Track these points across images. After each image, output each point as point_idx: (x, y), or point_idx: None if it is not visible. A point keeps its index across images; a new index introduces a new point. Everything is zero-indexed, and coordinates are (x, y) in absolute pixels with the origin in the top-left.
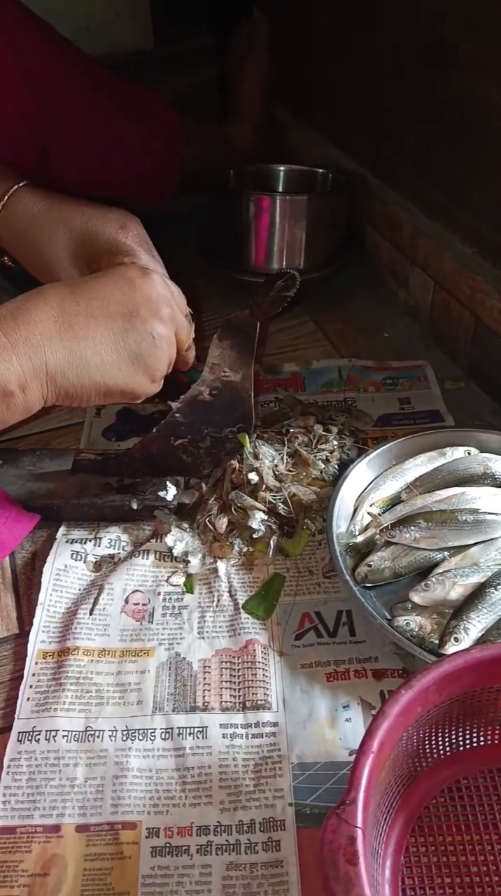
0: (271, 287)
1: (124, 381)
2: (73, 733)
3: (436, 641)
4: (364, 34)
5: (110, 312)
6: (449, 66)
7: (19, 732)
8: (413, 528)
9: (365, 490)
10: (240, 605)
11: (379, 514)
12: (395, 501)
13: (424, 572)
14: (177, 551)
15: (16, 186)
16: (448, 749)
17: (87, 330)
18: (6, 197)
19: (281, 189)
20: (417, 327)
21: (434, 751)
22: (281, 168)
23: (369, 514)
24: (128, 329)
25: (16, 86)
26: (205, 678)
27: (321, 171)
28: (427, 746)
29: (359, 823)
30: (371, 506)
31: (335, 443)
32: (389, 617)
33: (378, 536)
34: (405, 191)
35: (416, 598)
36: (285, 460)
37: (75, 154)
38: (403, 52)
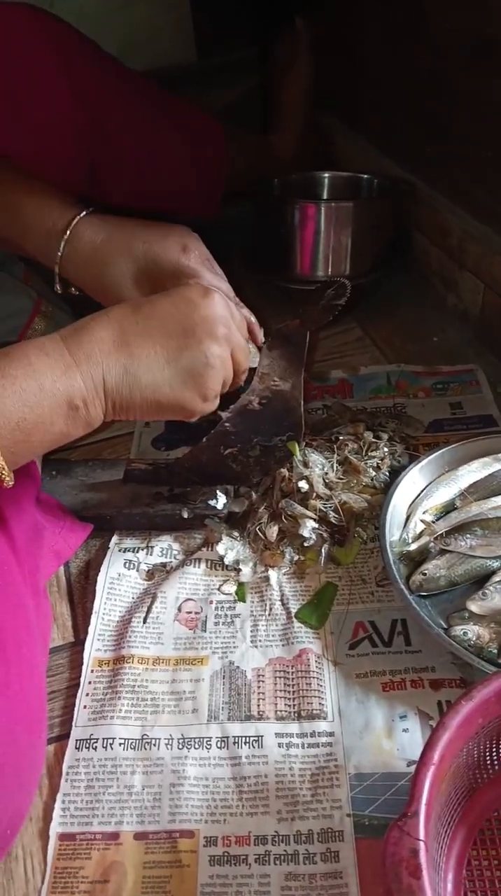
0: (321, 296)
1: (175, 399)
2: (130, 741)
3: (495, 651)
4: (410, 40)
5: (167, 331)
6: (499, 65)
7: (77, 740)
8: (468, 535)
9: (418, 497)
10: (293, 614)
11: (433, 522)
12: (449, 508)
13: (481, 581)
14: (228, 560)
15: (78, 217)
16: None
17: (142, 348)
18: (69, 229)
19: (326, 196)
20: (467, 331)
21: (496, 762)
22: (326, 175)
23: (422, 521)
24: (182, 348)
25: (67, 105)
26: (259, 687)
27: (366, 176)
28: (488, 758)
29: (422, 836)
30: (424, 513)
31: (386, 450)
32: (446, 626)
33: (432, 544)
34: (453, 195)
35: (473, 607)
36: (335, 468)
37: (123, 168)
38: (450, 55)
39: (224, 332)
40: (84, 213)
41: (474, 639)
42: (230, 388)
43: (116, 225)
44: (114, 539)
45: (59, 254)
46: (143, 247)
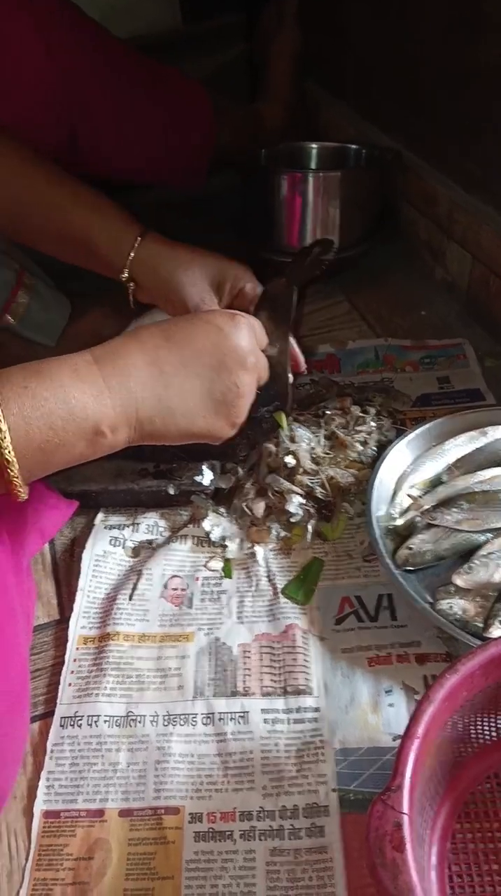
0: (308, 253)
1: (206, 427)
2: (115, 718)
3: (481, 625)
4: (394, 7)
5: (201, 362)
6: (486, 32)
7: (62, 717)
8: (454, 509)
9: (405, 472)
10: (279, 590)
11: (420, 497)
12: (436, 483)
13: (467, 555)
14: (214, 536)
15: (140, 236)
16: (494, 734)
17: (177, 378)
18: (136, 243)
19: (313, 167)
20: (455, 304)
21: (481, 736)
22: (314, 145)
23: (409, 496)
24: (214, 379)
25: (41, 66)
26: (245, 663)
27: (354, 147)
28: (473, 731)
29: (406, 809)
30: (411, 488)
31: (373, 424)
32: (431, 600)
33: (418, 519)
34: (441, 164)
35: (459, 580)
36: (322, 443)
37: (104, 136)
38: (437, 22)
39: (253, 362)
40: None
41: (459, 613)
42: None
43: (177, 246)
44: (100, 516)
45: (125, 274)
46: (208, 264)
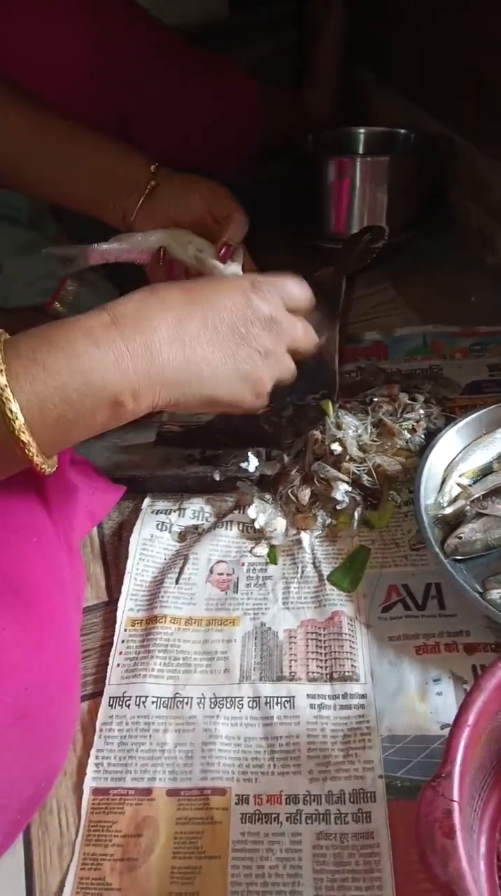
0: (358, 241)
1: (231, 395)
2: (162, 699)
3: None
4: None
5: (224, 326)
6: None
7: (110, 697)
8: None
9: (454, 460)
10: (325, 577)
11: (469, 485)
12: (486, 472)
13: None
14: (259, 523)
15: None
16: None
17: (203, 342)
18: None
19: (361, 152)
20: None
21: None
22: (361, 130)
23: (458, 484)
24: (240, 344)
25: (95, 57)
26: (291, 648)
27: (402, 131)
28: None
29: (456, 797)
30: (460, 476)
31: (421, 412)
32: (481, 590)
33: (468, 508)
34: (493, 149)
35: None
36: (369, 430)
37: (155, 123)
38: (493, 1)
39: (277, 328)
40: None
41: None
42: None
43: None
44: (147, 501)
45: (154, 166)
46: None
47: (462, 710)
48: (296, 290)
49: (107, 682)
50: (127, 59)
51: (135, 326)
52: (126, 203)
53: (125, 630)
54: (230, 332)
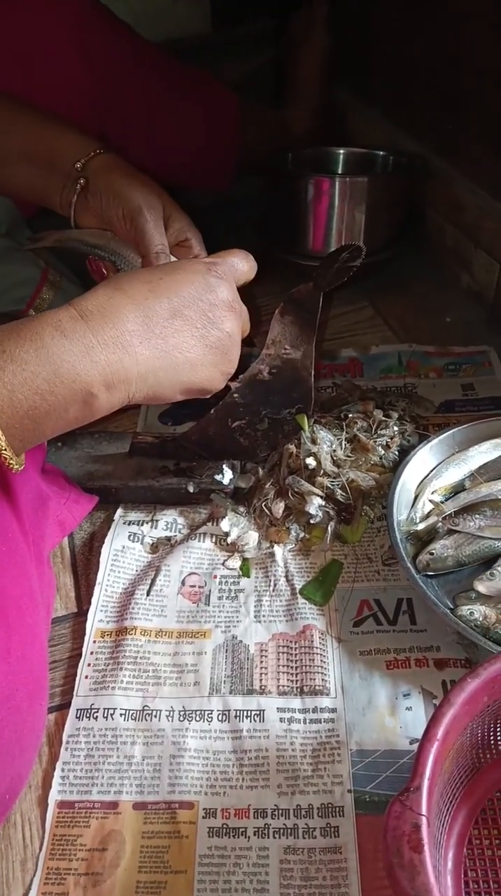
0: (336, 258)
1: (205, 379)
2: (131, 712)
3: None
4: (429, 7)
5: (193, 312)
6: None
7: (77, 709)
8: (477, 516)
9: (427, 477)
10: (298, 591)
11: (442, 502)
12: (458, 489)
13: (488, 562)
14: (232, 537)
15: (98, 151)
16: None
17: (173, 330)
18: (93, 154)
19: (340, 172)
20: (481, 311)
21: (500, 743)
22: (341, 151)
23: (431, 501)
24: (208, 328)
25: (74, 67)
26: (261, 662)
27: (381, 153)
28: (492, 738)
29: (424, 811)
30: (433, 493)
31: (395, 428)
32: (452, 606)
33: (440, 524)
34: (470, 171)
35: (481, 587)
36: (343, 445)
37: (134, 137)
38: (473, 25)
39: (238, 308)
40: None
41: (480, 619)
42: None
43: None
44: (119, 512)
45: (81, 163)
46: (161, 192)
47: (432, 724)
48: (245, 266)
49: (75, 693)
50: (108, 72)
51: (103, 320)
52: (68, 195)
53: (94, 642)
54: (198, 317)
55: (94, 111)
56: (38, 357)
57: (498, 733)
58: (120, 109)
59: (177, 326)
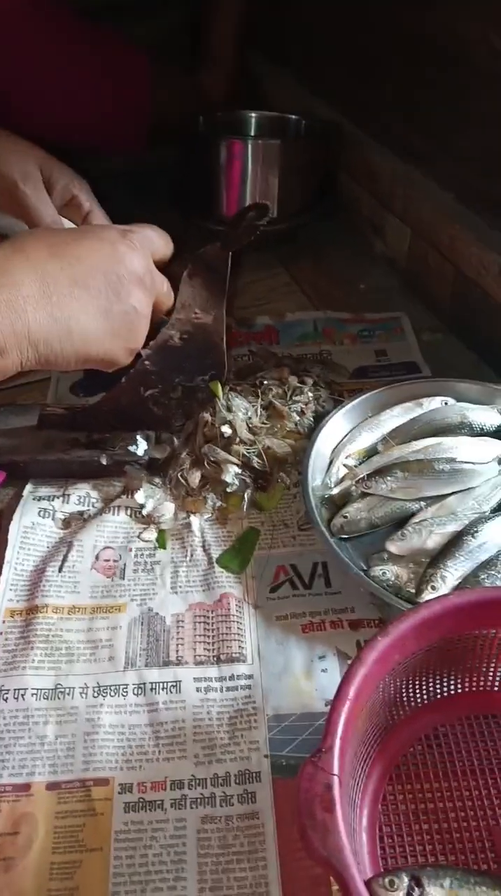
0: (243, 217)
1: (104, 351)
2: (43, 691)
3: (413, 591)
4: None
5: (96, 280)
6: (437, 2)
7: None
8: (389, 478)
9: (341, 442)
10: (214, 560)
11: (356, 466)
12: (371, 453)
13: (400, 523)
14: (147, 509)
15: None
16: (426, 697)
17: (72, 298)
18: None
19: (253, 135)
20: (394, 278)
21: (412, 699)
22: (253, 114)
23: (345, 466)
24: (111, 299)
25: None
26: (178, 633)
27: (294, 117)
28: (404, 694)
29: (336, 771)
30: (346, 458)
31: (310, 395)
32: (365, 567)
33: (354, 488)
34: (382, 137)
35: (392, 547)
36: (259, 413)
37: (37, 95)
38: None
39: (149, 282)
40: None
41: (393, 579)
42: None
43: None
44: (28, 487)
45: None
46: (41, 151)
47: (343, 683)
48: (160, 241)
49: None
50: (3, 26)
51: None
52: None
53: (3, 622)
54: (101, 288)
55: None
56: None
57: (410, 690)
58: (16, 63)
59: (76, 295)
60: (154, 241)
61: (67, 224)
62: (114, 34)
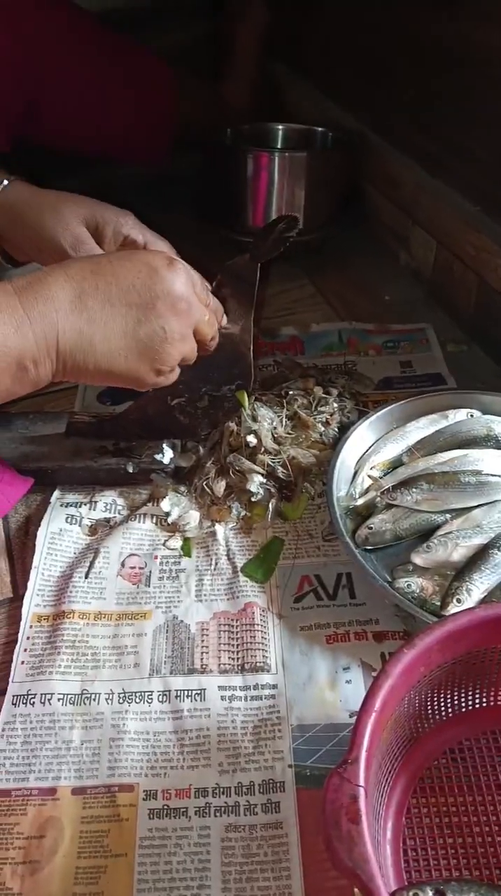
0: (272, 229)
1: (128, 370)
2: (69, 696)
3: (438, 603)
4: None
5: (128, 300)
6: (453, 7)
7: (14, 696)
8: (414, 490)
9: (366, 453)
10: (239, 569)
11: (380, 477)
12: (396, 464)
13: (426, 535)
14: (173, 517)
15: (6, 180)
16: (450, 710)
17: (101, 314)
18: (1, 187)
19: (279, 147)
20: (419, 289)
21: (437, 712)
22: (279, 127)
23: (370, 476)
24: (141, 319)
25: (2, 37)
26: (203, 641)
27: (320, 129)
28: (429, 707)
29: (362, 782)
30: (371, 469)
31: (335, 405)
32: (390, 579)
33: (379, 499)
34: (405, 146)
35: (418, 559)
36: (284, 423)
37: (66, 107)
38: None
39: (185, 308)
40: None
41: (417, 591)
42: (196, 360)
43: (46, 190)
44: (56, 494)
45: None
46: (83, 201)
47: (369, 696)
48: (198, 277)
49: (10, 680)
50: (35, 39)
51: (35, 296)
52: None
53: (31, 626)
54: (132, 307)
55: (19, 75)
56: None
57: (435, 703)
58: (48, 76)
59: (106, 312)
60: (195, 279)
61: None
62: (139, 46)
